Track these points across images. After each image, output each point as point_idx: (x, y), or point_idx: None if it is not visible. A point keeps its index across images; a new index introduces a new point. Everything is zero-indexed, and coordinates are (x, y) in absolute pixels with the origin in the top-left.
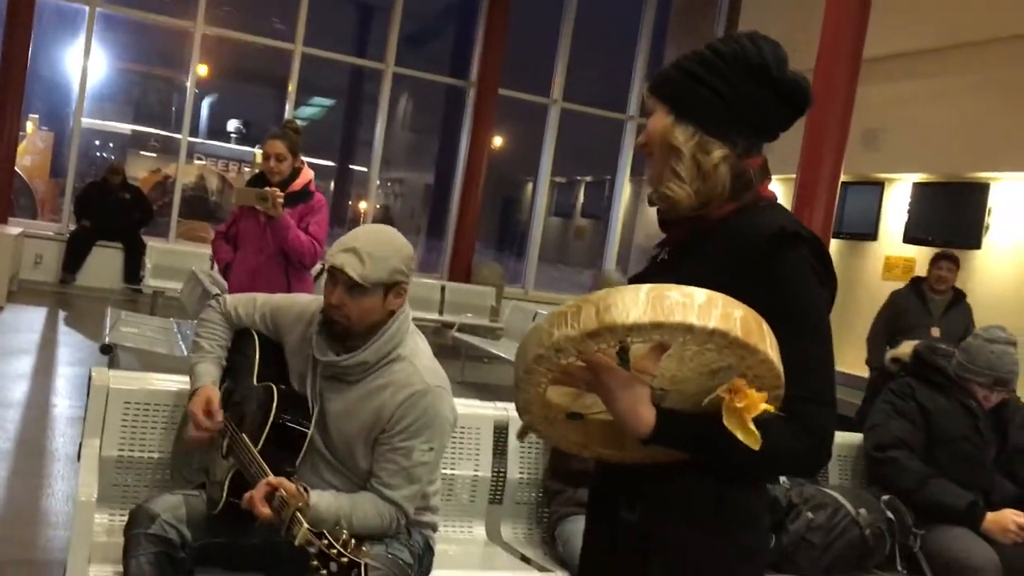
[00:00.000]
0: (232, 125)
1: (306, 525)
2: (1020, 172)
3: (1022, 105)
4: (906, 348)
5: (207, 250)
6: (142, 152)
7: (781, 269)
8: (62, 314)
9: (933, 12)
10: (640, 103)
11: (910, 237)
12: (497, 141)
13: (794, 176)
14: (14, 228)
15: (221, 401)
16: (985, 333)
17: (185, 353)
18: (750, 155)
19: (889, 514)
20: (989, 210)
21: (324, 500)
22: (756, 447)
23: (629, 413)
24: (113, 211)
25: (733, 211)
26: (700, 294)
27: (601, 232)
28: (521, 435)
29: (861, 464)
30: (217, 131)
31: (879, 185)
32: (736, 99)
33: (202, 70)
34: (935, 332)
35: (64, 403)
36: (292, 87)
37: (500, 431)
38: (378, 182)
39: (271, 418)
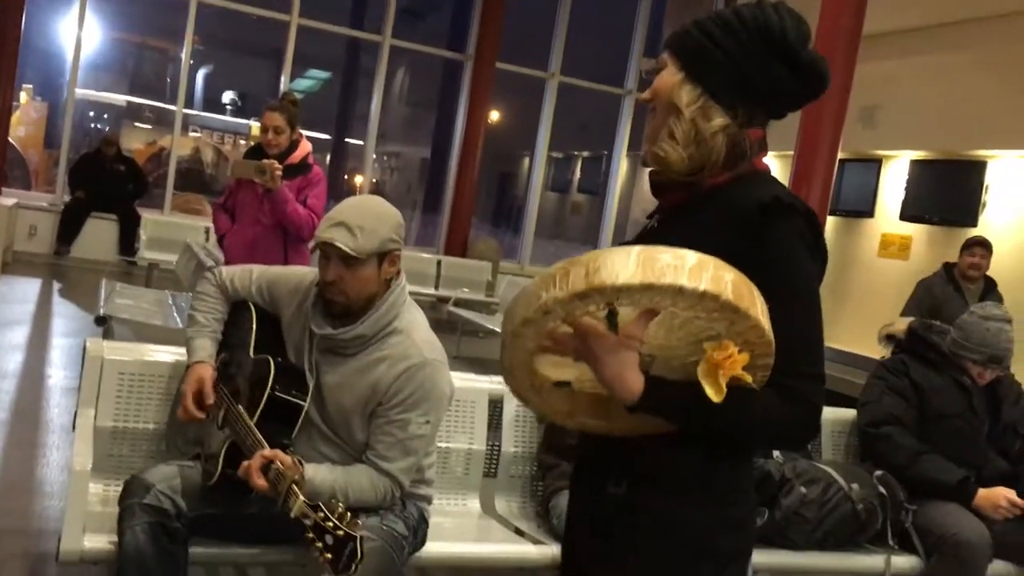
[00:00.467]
0: (227, 97)
1: (302, 498)
2: (1017, 150)
3: (1021, 83)
4: (900, 325)
5: (202, 222)
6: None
7: (774, 239)
8: (56, 285)
9: None
10: (638, 78)
11: (907, 215)
12: (494, 115)
13: (792, 153)
14: (8, 199)
15: (217, 372)
16: (980, 310)
17: (180, 325)
18: (750, 126)
19: (881, 489)
20: (986, 188)
21: (320, 473)
22: (718, 399)
23: (616, 379)
24: (108, 183)
25: (727, 180)
26: (691, 256)
27: (598, 207)
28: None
29: (854, 440)
30: (212, 103)
31: (876, 162)
32: (749, 68)
33: (197, 41)
34: None
35: (59, 374)
36: (288, 59)
37: (495, 405)
38: (374, 156)
39: (267, 391)
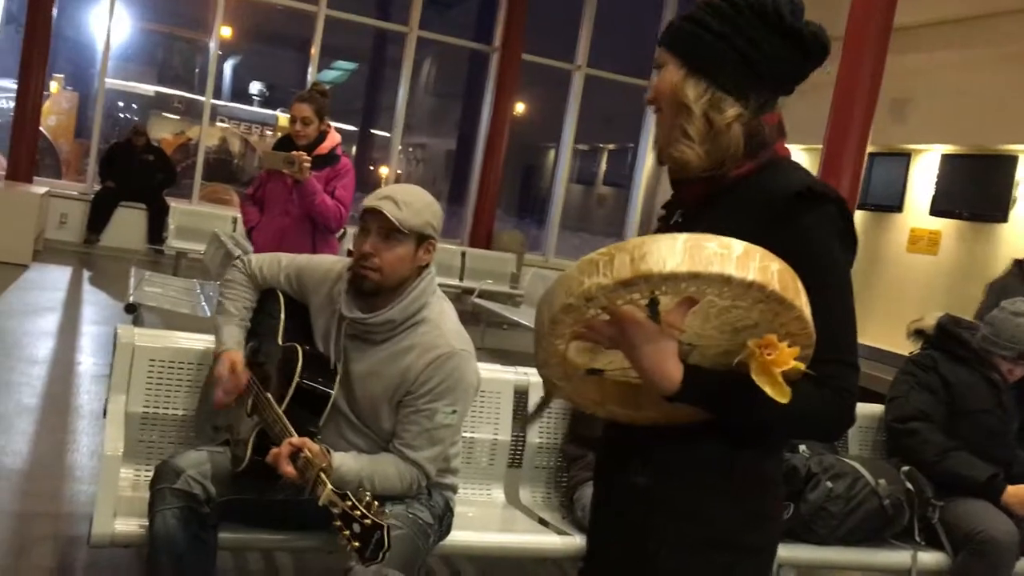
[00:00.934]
0: (255, 88)
1: (330, 486)
2: None
3: None
4: (929, 320)
5: (230, 212)
6: (165, 114)
7: (808, 227)
8: (86, 273)
9: None
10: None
11: (937, 210)
12: (520, 107)
13: (820, 146)
14: (39, 188)
15: (246, 361)
16: (1011, 306)
17: (208, 314)
18: (765, 112)
19: (908, 485)
20: (1017, 183)
21: (347, 461)
22: (784, 400)
23: (656, 368)
24: (137, 172)
25: (751, 170)
26: (738, 245)
27: (623, 200)
28: (531, 419)
29: (882, 435)
30: (240, 94)
31: (906, 156)
32: (751, 51)
33: (225, 32)
34: None
35: (89, 360)
36: (315, 50)
37: (520, 396)
38: (400, 147)
39: (295, 379)
